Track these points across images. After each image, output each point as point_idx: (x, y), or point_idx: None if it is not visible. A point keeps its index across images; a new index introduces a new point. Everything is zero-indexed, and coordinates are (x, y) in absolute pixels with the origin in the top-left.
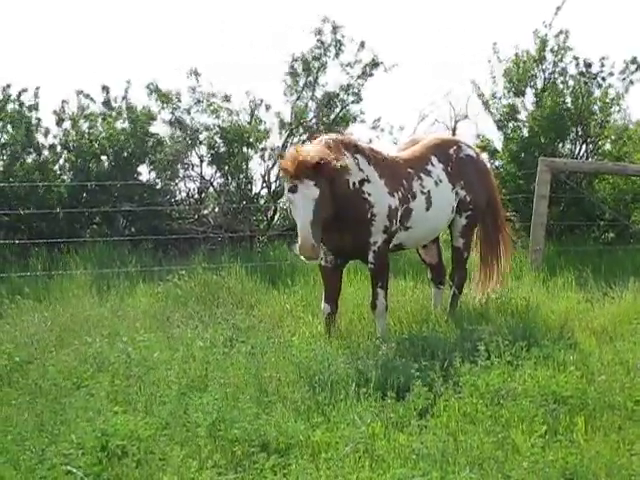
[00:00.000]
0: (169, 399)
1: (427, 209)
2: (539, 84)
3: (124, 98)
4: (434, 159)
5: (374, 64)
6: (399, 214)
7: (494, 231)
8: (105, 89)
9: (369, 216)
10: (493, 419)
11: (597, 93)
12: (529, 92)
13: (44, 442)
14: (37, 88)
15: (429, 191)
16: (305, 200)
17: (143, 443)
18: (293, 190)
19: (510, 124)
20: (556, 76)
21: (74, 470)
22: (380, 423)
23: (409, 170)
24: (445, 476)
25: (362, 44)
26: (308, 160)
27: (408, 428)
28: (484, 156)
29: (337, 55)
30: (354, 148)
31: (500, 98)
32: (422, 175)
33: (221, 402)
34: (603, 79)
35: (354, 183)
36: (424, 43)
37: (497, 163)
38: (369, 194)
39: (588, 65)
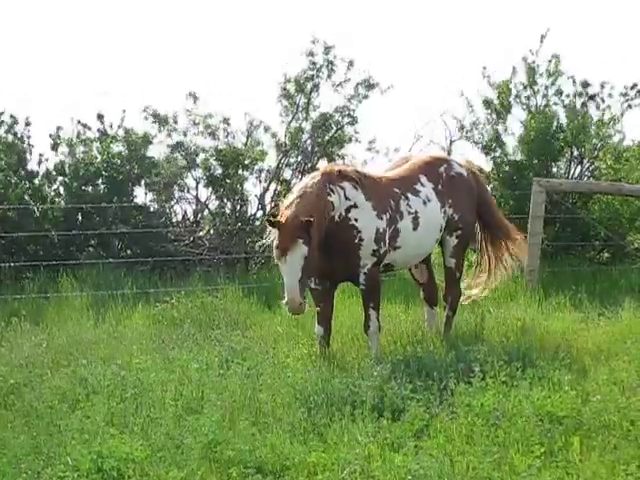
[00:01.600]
0: (165, 421)
1: (414, 229)
2: (532, 108)
3: (120, 126)
4: (423, 178)
5: (369, 85)
6: (387, 236)
7: (496, 246)
8: (100, 118)
9: (357, 241)
10: (489, 439)
11: (594, 114)
12: (518, 115)
13: (40, 464)
14: (27, 118)
15: (416, 211)
16: (294, 259)
17: (138, 465)
18: (283, 253)
19: (498, 150)
20: (549, 98)
21: None
22: (376, 444)
23: (396, 190)
24: None
25: (351, 63)
26: (294, 223)
27: (404, 449)
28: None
29: (329, 76)
30: (339, 178)
31: (484, 125)
32: (409, 195)
33: (217, 424)
34: (602, 100)
35: (340, 214)
36: (419, 64)
37: (492, 184)
38: (356, 220)
39: (585, 85)
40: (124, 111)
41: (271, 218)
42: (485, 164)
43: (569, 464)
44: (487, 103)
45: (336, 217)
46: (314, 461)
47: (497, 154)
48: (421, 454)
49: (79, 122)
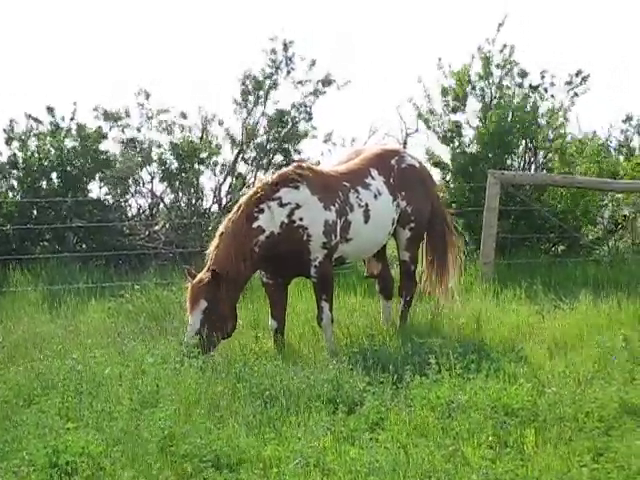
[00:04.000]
0: (120, 415)
1: (366, 222)
2: (487, 99)
3: (72, 119)
4: (374, 171)
5: (326, 82)
6: (338, 227)
7: (442, 241)
8: (50, 110)
9: (305, 238)
10: (444, 432)
11: (542, 106)
12: (475, 106)
13: None
14: None
15: (367, 204)
16: (195, 316)
17: (94, 460)
18: (188, 311)
19: (456, 140)
20: (503, 90)
21: None
22: (331, 437)
23: (345, 184)
24: None
25: (313, 62)
26: (197, 286)
27: (359, 442)
28: (430, 168)
29: (289, 73)
30: (273, 190)
31: (441, 115)
32: (359, 188)
33: (172, 418)
34: (545, 90)
35: (281, 223)
36: (375, 58)
37: (447, 177)
38: (301, 219)
39: (523, 75)
40: (75, 104)
41: (188, 271)
42: (445, 154)
43: (523, 456)
44: (445, 91)
45: (275, 231)
46: (269, 454)
47: (455, 144)
48: (376, 447)
49: (30, 116)
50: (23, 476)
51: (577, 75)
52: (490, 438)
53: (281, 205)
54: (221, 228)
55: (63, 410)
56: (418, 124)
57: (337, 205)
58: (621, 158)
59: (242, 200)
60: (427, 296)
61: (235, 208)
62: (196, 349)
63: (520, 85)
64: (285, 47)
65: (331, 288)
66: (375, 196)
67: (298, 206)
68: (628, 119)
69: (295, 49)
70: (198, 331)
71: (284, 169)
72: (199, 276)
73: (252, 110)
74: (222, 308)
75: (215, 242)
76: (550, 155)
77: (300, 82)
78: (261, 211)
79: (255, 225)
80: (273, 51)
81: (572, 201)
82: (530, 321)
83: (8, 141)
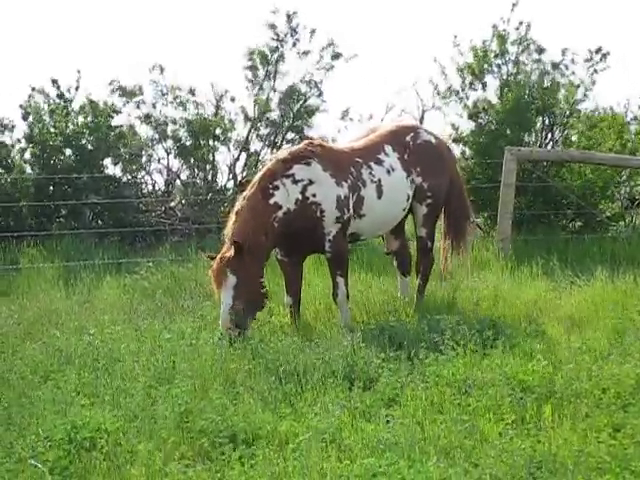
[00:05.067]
0: (136, 391)
1: (379, 197)
2: (504, 76)
3: (77, 88)
4: (388, 147)
5: (334, 55)
6: (351, 202)
7: (460, 215)
8: (55, 82)
9: (318, 214)
10: (460, 408)
11: (562, 82)
12: (492, 84)
13: (12, 436)
14: None
15: (380, 179)
16: (225, 292)
17: (111, 436)
18: (216, 288)
19: (481, 116)
20: (520, 67)
21: (39, 465)
22: (347, 413)
23: (357, 159)
24: (413, 465)
25: (313, 31)
26: (222, 262)
27: (375, 418)
28: (450, 144)
29: (294, 44)
30: (286, 166)
31: (458, 92)
32: (372, 164)
33: (188, 394)
34: (566, 67)
35: (296, 200)
36: (390, 34)
37: (467, 153)
38: (314, 195)
39: (540, 51)
40: (79, 71)
41: (209, 259)
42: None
43: (540, 432)
44: (468, 68)
45: (290, 207)
46: (285, 430)
47: (482, 121)
48: (392, 423)
49: (34, 89)
50: (41, 451)
51: (597, 52)
52: (507, 414)
53: (294, 182)
54: (237, 206)
55: (80, 386)
56: (435, 101)
57: (349, 181)
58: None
59: (256, 177)
60: (445, 273)
61: (249, 186)
62: (235, 328)
63: (538, 61)
64: (289, 18)
65: (346, 264)
66: (388, 172)
67: (311, 182)
68: None
69: (299, 20)
70: (233, 308)
71: (295, 146)
72: (220, 255)
73: (262, 85)
74: (251, 281)
75: (232, 219)
76: (567, 132)
77: (305, 52)
78: (276, 188)
79: (272, 201)
80: (272, 26)
81: (590, 177)
82: (547, 297)
83: (25, 116)
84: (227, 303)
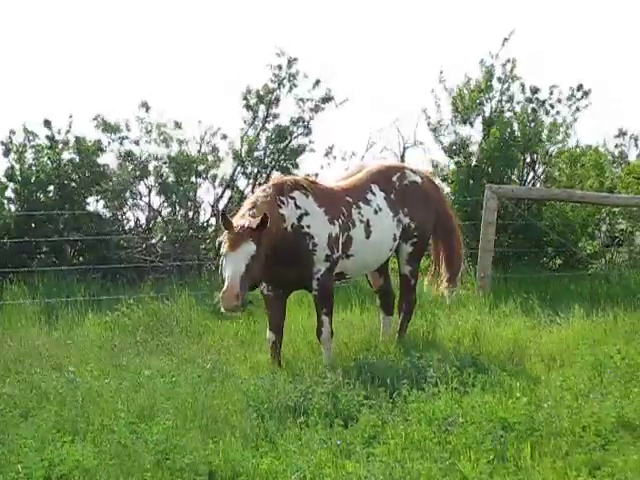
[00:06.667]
0: (116, 428)
1: (367, 237)
2: (487, 113)
3: (68, 132)
4: (375, 187)
5: (326, 99)
6: (340, 242)
7: (451, 239)
8: (47, 123)
9: (310, 247)
10: (440, 446)
11: (546, 120)
12: (477, 121)
13: None
14: None
15: (368, 220)
16: (241, 254)
17: (89, 473)
18: (232, 248)
19: (460, 154)
20: (503, 104)
21: None
22: (327, 451)
23: (347, 199)
24: None
25: (317, 82)
26: (247, 226)
27: (355, 455)
28: (438, 181)
29: (291, 89)
30: (290, 189)
31: (447, 126)
32: (361, 204)
33: (168, 431)
34: (552, 106)
35: (292, 224)
36: (371, 72)
37: (447, 190)
38: (308, 226)
39: (535, 91)
40: (71, 116)
41: (227, 216)
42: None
43: (520, 470)
44: (455, 103)
45: (288, 227)
46: (266, 468)
47: (460, 159)
48: (372, 461)
49: (26, 129)
50: None
51: (578, 89)
52: (487, 452)
53: (295, 206)
54: (252, 199)
55: (59, 423)
56: (415, 138)
57: (340, 220)
58: (618, 171)
59: (267, 184)
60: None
61: (261, 188)
62: (239, 296)
63: (529, 100)
64: (289, 64)
65: (332, 302)
66: (375, 211)
67: (307, 213)
68: (622, 134)
69: (298, 66)
70: (242, 277)
71: (294, 176)
72: (240, 222)
73: (253, 124)
74: (262, 257)
75: (246, 207)
76: (550, 170)
77: (302, 99)
78: (282, 202)
79: (281, 212)
80: (279, 67)
81: (570, 215)
82: (526, 335)
83: (6, 153)
84: (239, 269)
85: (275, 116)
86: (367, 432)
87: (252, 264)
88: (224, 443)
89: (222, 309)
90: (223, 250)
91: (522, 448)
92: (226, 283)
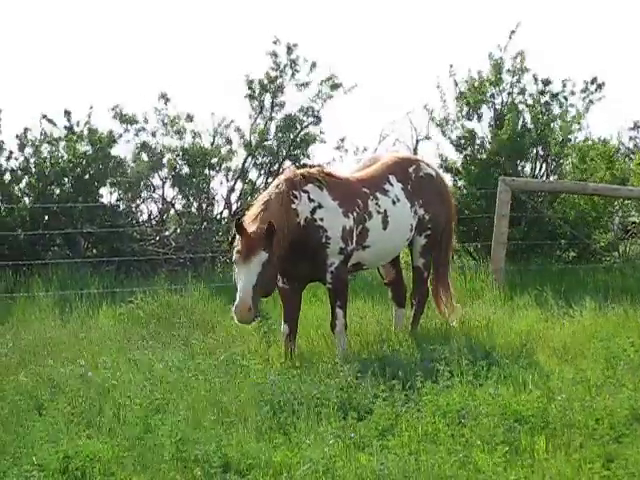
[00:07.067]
0: (130, 420)
1: (384, 228)
2: (497, 105)
3: (87, 123)
4: (392, 178)
5: (333, 85)
6: (354, 234)
7: (445, 252)
8: (67, 114)
9: (324, 240)
10: (454, 439)
11: (557, 112)
12: (486, 114)
13: (6, 464)
14: None
15: (385, 210)
16: (252, 265)
17: (104, 465)
18: (244, 260)
19: (469, 147)
20: (514, 96)
21: None
22: (341, 443)
23: (364, 190)
24: None
25: (314, 64)
26: (258, 233)
27: (369, 448)
28: (446, 176)
29: (293, 75)
30: (303, 182)
31: (454, 121)
32: (378, 194)
33: (182, 423)
34: (565, 98)
35: (306, 217)
36: (384, 64)
37: (459, 183)
38: (322, 219)
39: (547, 83)
40: (91, 107)
41: (239, 222)
42: (458, 161)
43: (534, 463)
44: (457, 98)
45: (302, 222)
46: (279, 460)
47: (468, 152)
48: (386, 453)
49: (45, 117)
50: None
51: (592, 82)
52: (501, 445)
53: (309, 199)
54: (265, 195)
55: (74, 416)
56: (429, 131)
57: (355, 213)
58: (631, 165)
59: (280, 178)
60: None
61: (274, 183)
62: (251, 309)
63: (542, 92)
64: (289, 50)
65: (346, 294)
66: (394, 202)
67: (320, 206)
68: (636, 126)
69: (299, 52)
70: (255, 286)
71: (308, 168)
72: (251, 228)
73: (260, 114)
74: (274, 264)
75: (259, 207)
76: (562, 162)
77: (303, 84)
78: (295, 197)
79: (293, 207)
80: (274, 54)
81: (583, 207)
82: (540, 328)
83: (21, 147)
84: (250, 281)
85: (281, 105)
86: (381, 425)
87: (265, 271)
88: (238, 435)
89: (236, 321)
90: (235, 259)
91: (536, 441)
92: (238, 297)
